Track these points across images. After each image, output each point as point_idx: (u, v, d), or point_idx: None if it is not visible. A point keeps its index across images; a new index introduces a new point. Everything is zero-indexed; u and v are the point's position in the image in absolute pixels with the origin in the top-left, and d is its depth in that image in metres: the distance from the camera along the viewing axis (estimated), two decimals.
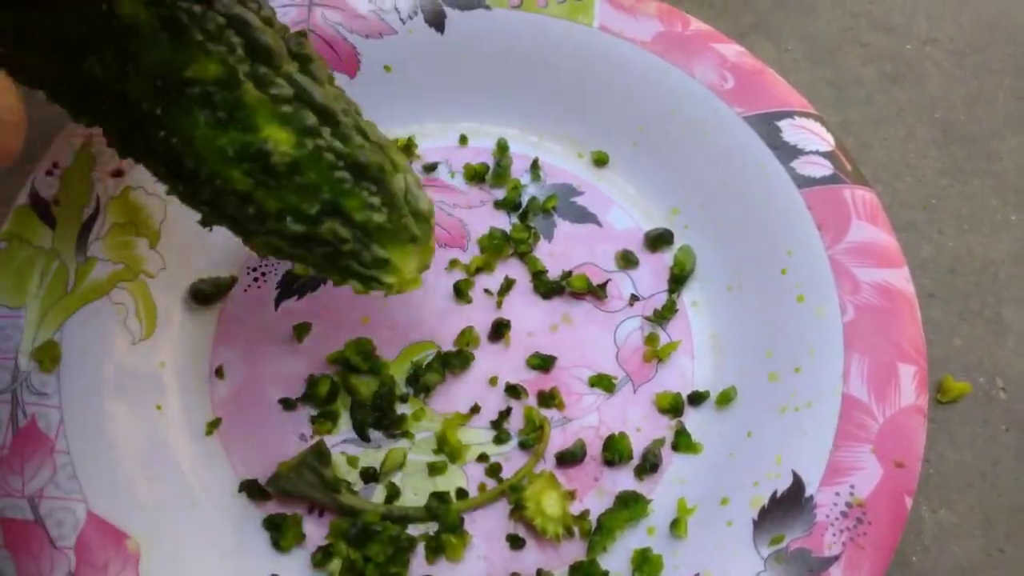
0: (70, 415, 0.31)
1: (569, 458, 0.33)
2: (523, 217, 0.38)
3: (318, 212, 0.28)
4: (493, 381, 0.35)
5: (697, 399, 0.34)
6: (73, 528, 0.29)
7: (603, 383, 0.35)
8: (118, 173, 0.34)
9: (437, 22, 0.38)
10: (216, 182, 0.27)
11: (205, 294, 0.35)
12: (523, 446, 0.34)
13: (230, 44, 0.27)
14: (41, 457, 0.30)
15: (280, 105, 0.27)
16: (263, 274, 0.36)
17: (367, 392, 0.34)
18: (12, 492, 0.29)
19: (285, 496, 0.32)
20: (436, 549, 0.32)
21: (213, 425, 0.34)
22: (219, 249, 0.36)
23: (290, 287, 0.36)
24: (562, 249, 0.38)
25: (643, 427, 0.34)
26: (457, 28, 0.38)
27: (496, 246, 0.37)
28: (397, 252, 0.29)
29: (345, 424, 0.34)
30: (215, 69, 0.26)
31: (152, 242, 0.35)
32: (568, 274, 0.37)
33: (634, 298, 0.37)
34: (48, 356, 0.31)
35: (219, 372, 0.35)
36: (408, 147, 0.39)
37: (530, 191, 0.39)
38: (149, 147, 0.28)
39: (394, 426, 0.34)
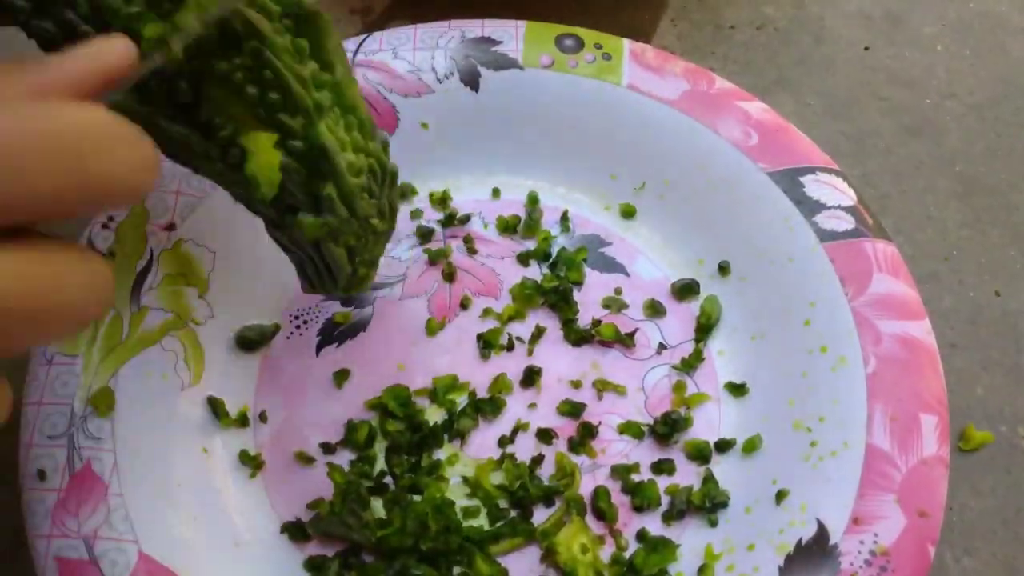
0: (123, 459, 0.32)
1: (599, 504, 0.34)
2: (553, 267, 0.39)
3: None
4: (524, 427, 0.36)
5: (724, 447, 0.35)
6: (125, 568, 0.31)
7: (632, 430, 0.36)
8: (170, 227, 0.36)
9: (472, 81, 0.40)
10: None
11: (250, 341, 0.37)
12: (554, 492, 0.35)
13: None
14: (96, 499, 0.32)
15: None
16: (304, 322, 0.38)
17: (403, 438, 0.35)
18: (68, 533, 0.31)
19: (326, 537, 0.34)
20: None
21: (257, 467, 0.35)
22: (264, 298, 0.38)
23: (330, 335, 0.38)
24: (591, 298, 0.39)
25: (672, 474, 0.35)
26: (491, 87, 0.40)
27: (527, 295, 0.39)
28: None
29: (382, 468, 0.35)
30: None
31: (201, 291, 0.36)
32: (597, 323, 0.38)
33: (662, 347, 0.38)
34: (103, 402, 0.33)
35: (262, 416, 0.36)
36: (443, 199, 0.41)
37: (560, 242, 0.40)
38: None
39: (429, 471, 0.35)
